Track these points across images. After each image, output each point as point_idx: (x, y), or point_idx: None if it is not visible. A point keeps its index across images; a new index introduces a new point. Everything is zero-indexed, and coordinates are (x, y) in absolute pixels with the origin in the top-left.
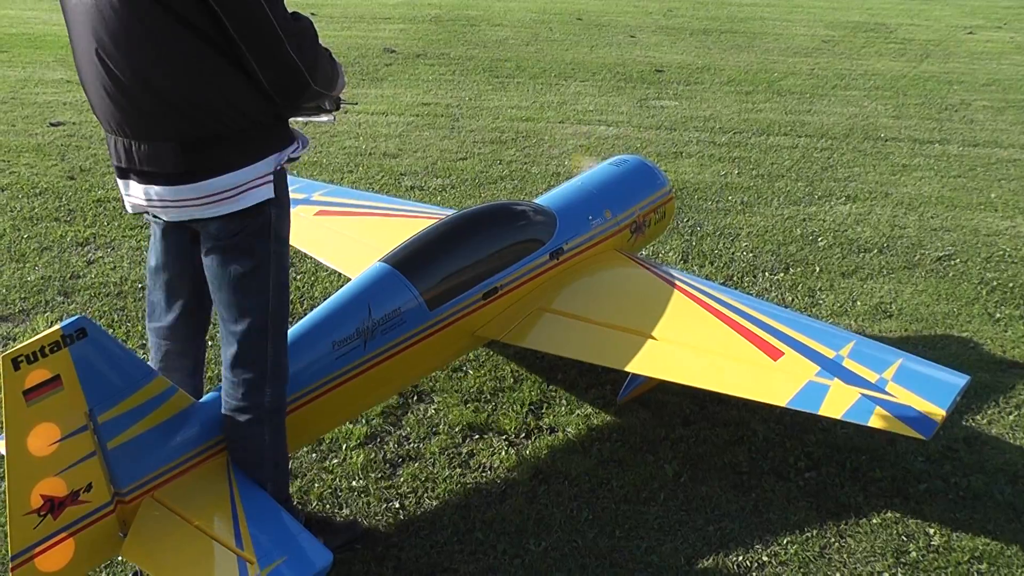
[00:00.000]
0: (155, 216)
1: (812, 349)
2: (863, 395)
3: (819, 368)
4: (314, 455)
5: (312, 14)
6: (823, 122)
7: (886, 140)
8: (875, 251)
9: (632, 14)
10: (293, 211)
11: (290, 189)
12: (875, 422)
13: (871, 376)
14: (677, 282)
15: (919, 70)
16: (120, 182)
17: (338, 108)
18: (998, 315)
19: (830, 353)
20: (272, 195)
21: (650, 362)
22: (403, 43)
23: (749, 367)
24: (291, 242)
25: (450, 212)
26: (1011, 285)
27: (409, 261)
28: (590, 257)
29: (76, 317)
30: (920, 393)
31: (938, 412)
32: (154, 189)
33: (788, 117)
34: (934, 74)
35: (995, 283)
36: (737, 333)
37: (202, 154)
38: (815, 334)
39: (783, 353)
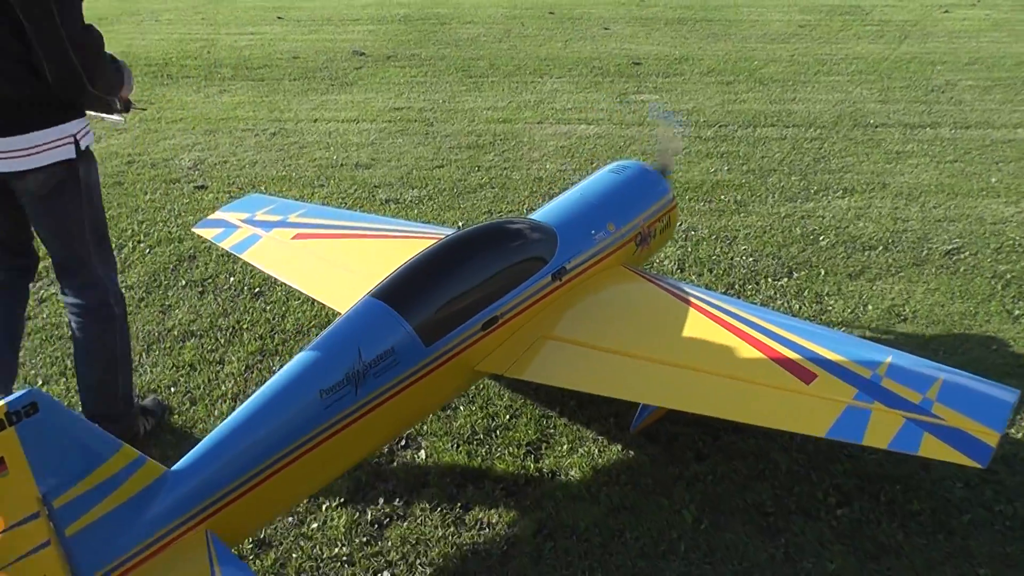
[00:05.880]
0: None
1: (847, 369)
2: (908, 419)
3: (857, 390)
4: (291, 519)
5: (279, 17)
6: (810, 110)
7: (876, 126)
8: (880, 248)
9: (605, 5)
10: (268, 235)
11: (264, 211)
12: (925, 451)
13: (914, 397)
14: (692, 299)
15: (900, 52)
16: None
17: (127, 110)
18: (1017, 311)
19: (867, 373)
20: (74, 155)
21: (669, 393)
22: (372, 45)
23: (780, 393)
24: (265, 268)
25: (435, 229)
26: None
27: (400, 293)
28: (595, 275)
29: (25, 391)
30: (969, 413)
31: (992, 434)
32: None
33: (773, 107)
34: (916, 55)
35: (1009, 276)
36: (763, 354)
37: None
38: (847, 351)
39: (816, 375)
